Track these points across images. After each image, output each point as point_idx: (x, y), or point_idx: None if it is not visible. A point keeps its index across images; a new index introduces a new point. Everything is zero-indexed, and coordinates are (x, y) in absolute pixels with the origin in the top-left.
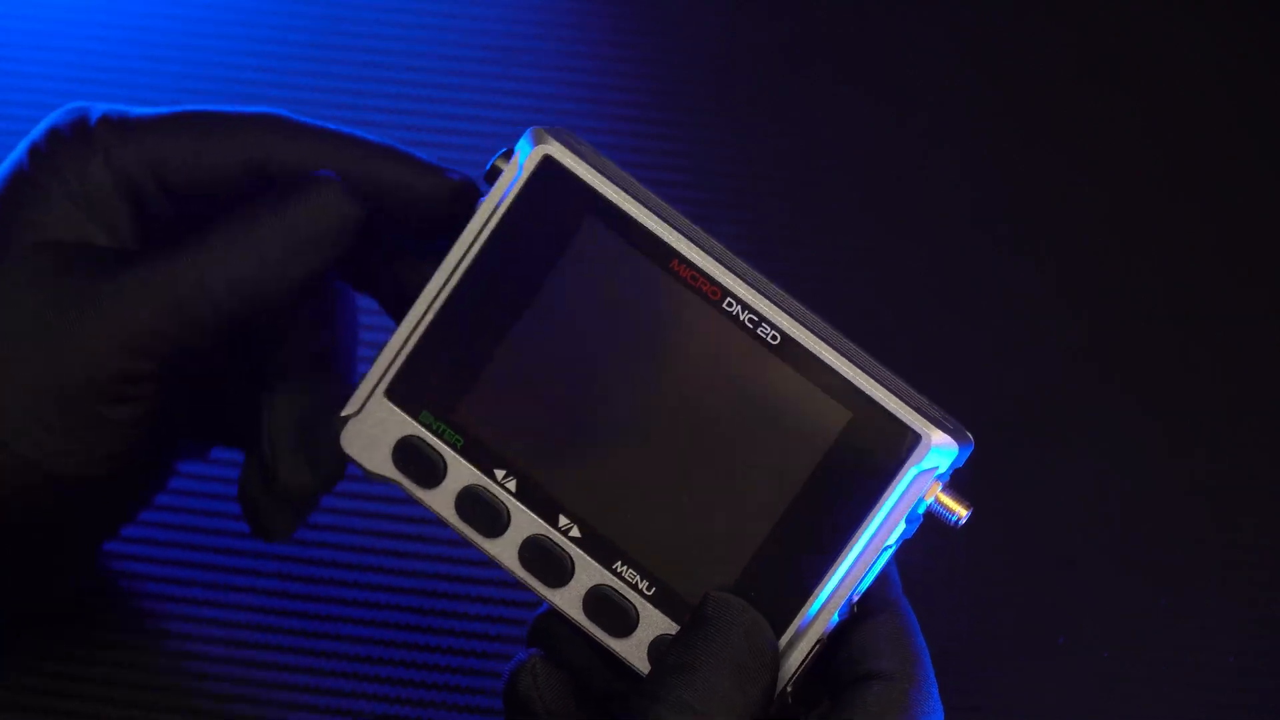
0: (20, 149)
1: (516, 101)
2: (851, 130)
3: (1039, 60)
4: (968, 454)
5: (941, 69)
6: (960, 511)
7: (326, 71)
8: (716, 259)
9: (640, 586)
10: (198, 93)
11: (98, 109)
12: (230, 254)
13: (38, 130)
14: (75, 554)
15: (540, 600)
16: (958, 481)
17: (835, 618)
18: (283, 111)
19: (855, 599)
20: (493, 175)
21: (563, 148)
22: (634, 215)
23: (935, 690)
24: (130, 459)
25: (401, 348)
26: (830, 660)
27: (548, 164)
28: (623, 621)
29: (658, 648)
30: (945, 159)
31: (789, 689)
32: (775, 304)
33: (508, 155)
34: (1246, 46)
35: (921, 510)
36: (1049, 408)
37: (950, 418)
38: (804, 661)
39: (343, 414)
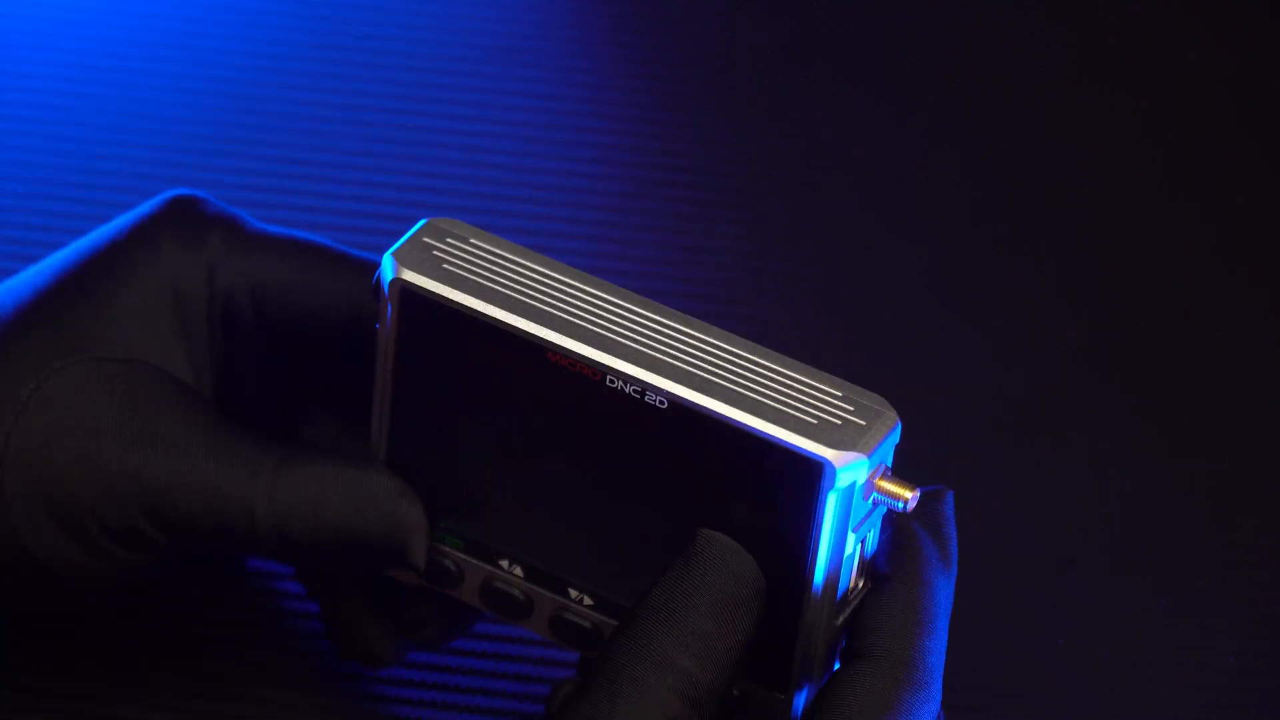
0: (123, 228)
1: (516, 101)
2: (851, 130)
3: (1039, 60)
4: (897, 435)
5: (941, 69)
6: (905, 495)
7: (326, 72)
8: (589, 330)
9: None
10: (198, 93)
11: (209, 209)
12: (288, 496)
13: (147, 210)
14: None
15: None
16: (917, 460)
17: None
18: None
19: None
20: (375, 292)
21: (416, 271)
22: (499, 321)
23: (929, 676)
24: (122, 586)
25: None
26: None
27: (408, 293)
28: None
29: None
30: (945, 159)
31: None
32: (653, 353)
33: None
34: (1246, 46)
35: (871, 504)
36: (1049, 408)
37: (867, 399)
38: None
39: None
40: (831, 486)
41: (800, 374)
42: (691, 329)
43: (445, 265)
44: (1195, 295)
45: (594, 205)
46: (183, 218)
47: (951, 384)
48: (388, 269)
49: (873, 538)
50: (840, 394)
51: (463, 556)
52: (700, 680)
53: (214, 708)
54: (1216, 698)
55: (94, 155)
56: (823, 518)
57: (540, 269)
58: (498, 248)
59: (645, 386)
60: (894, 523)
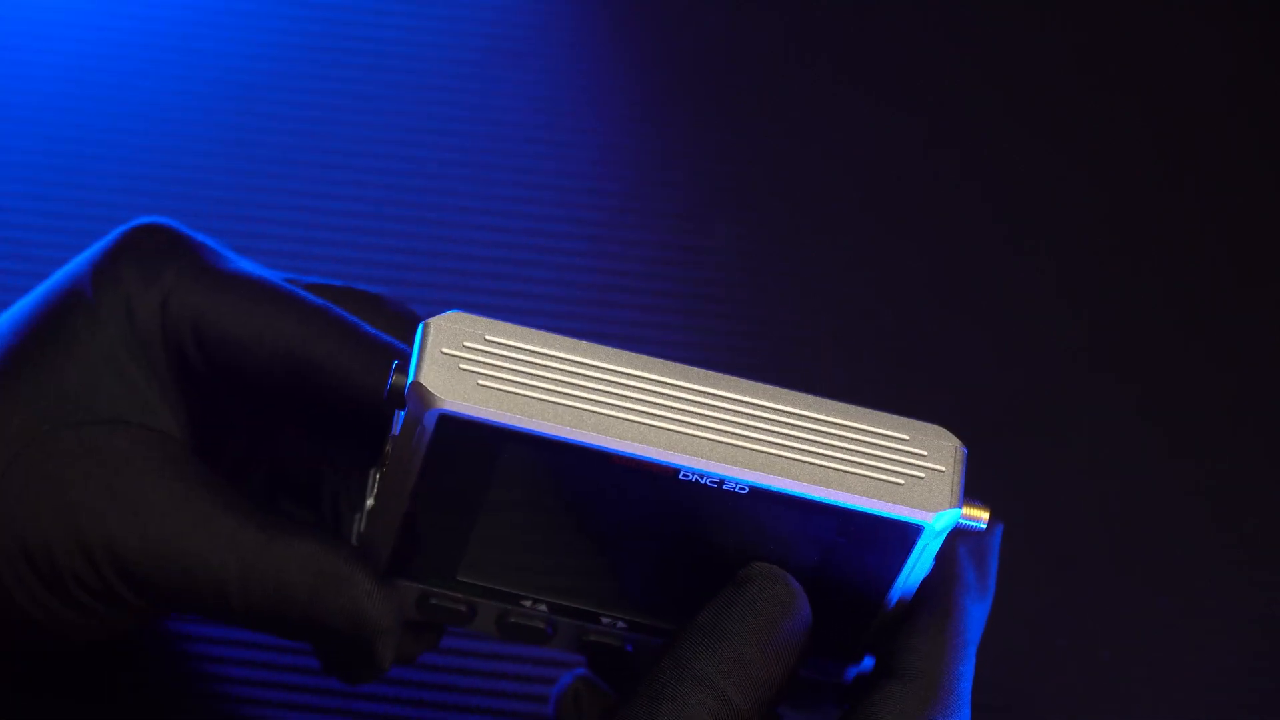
0: (84, 266)
1: (516, 102)
2: (851, 130)
3: (1039, 60)
4: (965, 461)
5: (942, 69)
6: (983, 517)
7: (326, 73)
8: (653, 429)
9: None
10: (197, 93)
11: (171, 240)
12: (258, 564)
13: (109, 243)
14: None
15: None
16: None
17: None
18: (338, 310)
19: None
20: (395, 395)
21: (454, 397)
22: (556, 436)
23: (961, 701)
24: (124, 637)
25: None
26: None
27: (447, 419)
28: None
29: None
30: (945, 159)
31: None
32: (723, 440)
33: (402, 370)
34: (1246, 46)
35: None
36: (1049, 408)
37: (934, 436)
38: None
39: None
40: (926, 537)
41: (866, 424)
42: (749, 396)
43: (480, 382)
44: (1195, 295)
45: (594, 205)
46: (143, 251)
47: (951, 384)
48: (422, 397)
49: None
50: (908, 437)
51: (477, 600)
52: (739, 706)
53: (213, 707)
54: (1216, 698)
55: (94, 155)
56: (911, 559)
57: (574, 360)
58: (520, 342)
59: (724, 478)
60: (941, 554)
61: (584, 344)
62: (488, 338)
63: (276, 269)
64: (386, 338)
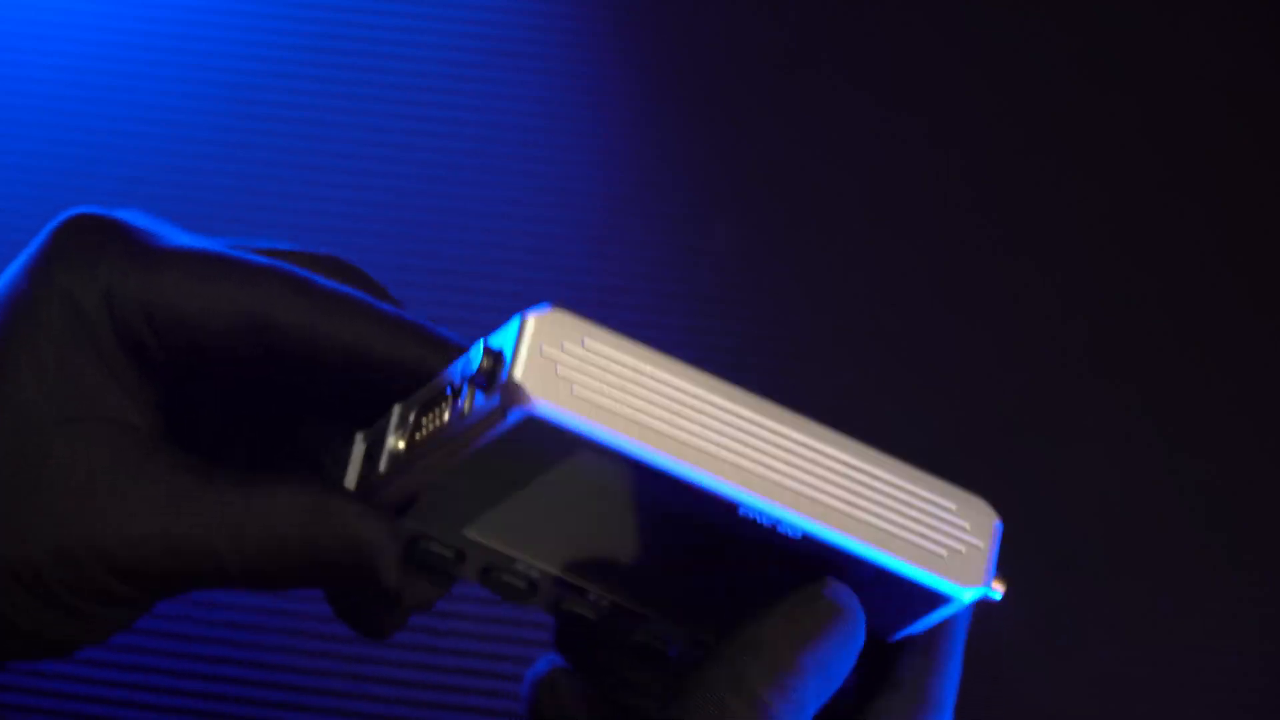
0: (20, 268)
1: (517, 104)
2: (852, 131)
3: (1040, 60)
4: (1000, 536)
5: (943, 70)
6: (1001, 589)
7: (326, 74)
8: (725, 461)
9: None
10: (197, 94)
11: (102, 227)
12: (245, 526)
13: (40, 241)
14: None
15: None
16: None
17: None
18: (290, 267)
19: None
20: (483, 378)
21: (553, 402)
22: (635, 454)
23: (946, 713)
24: (125, 628)
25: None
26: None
27: (535, 420)
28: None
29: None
30: (946, 159)
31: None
32: (787, 482)
33: (491, 355)
34: (1247, 46)
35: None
36: (1049, 408)
37: (975, 509)
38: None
39: None
40: (953, 607)
41: (919, 487)
42: (818, 441)
43: (575, 390)
44: (1195, 295)
45: (594, 206)
46: (73, 248)
47: (952, 384)
48: (514, 395)
49: None
50: (954, 506)
51: (469, 549)
52: None
53: (213, 707)
54: (1216, 698)
55: (94, 155)
56: (930, 619)
57: (663, 378)
58: (615, 351)
59: (780, 521)
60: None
61: (673, 361)
62: (586, 342)
63: None
64: (344, 288)
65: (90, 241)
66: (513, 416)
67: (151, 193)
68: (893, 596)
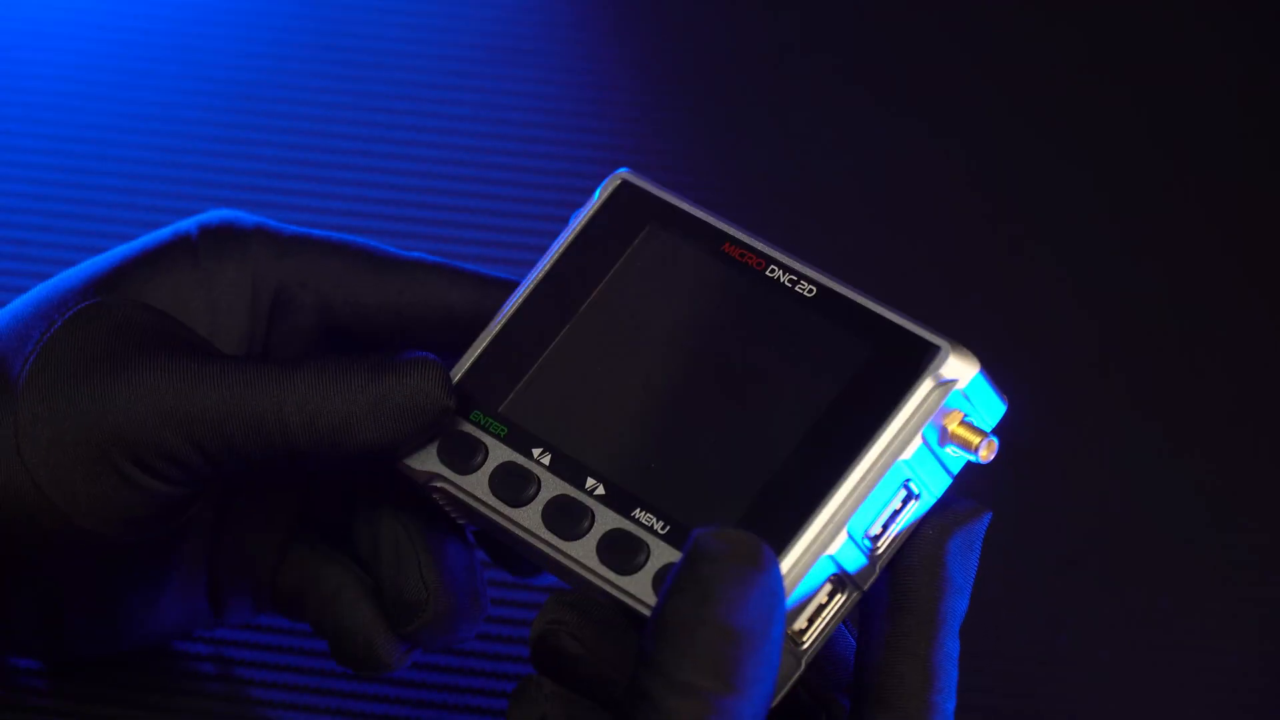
0: (166, 232)
1: (517, 102)
2: (853, 130)
3: (1042, 57)
4: (999, 408)
5: (944, 69)
6: (976, 442)
7: (327, 72)
8: (767, 242)
9: (655, 527)
10: (197, 93)
11: (251, 219)
12: (316, 391)
13: (187, 222)
14: (106, 628)
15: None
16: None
17: (851, 549)
18: (449, 260)
19: (878, 541)
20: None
21: (639, 177)
22: (694, 214)
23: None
24: (155, 528)
25: (462, 365)
26: (856, 663)
27: (623, 188)
28: (632, 558)
29: (661, 578)
30: (947, 159)
31: (811, 645)
32: (816, 269)
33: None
34: (1247, 46)
35: (945, 446)
36: (1049, 408)
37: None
38: (829, 608)
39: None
40: (935, 369)
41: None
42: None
43: (661, 185)
44: (1196, 295)
45: None
46: (224, 221)
47: None
48: (616, 175)
49: (908, 518)
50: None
51: (496, 442)
52: (731, 703)
53: (213, 707)
54: (1216, 698)
55: (94, 156)
56: (908, 397)
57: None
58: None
59: (801, 275)
60: (923, 543)
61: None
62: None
63: None
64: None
65: (236, 224)
66: (609, 181)
67: (152, 192)
68: (888, 364)
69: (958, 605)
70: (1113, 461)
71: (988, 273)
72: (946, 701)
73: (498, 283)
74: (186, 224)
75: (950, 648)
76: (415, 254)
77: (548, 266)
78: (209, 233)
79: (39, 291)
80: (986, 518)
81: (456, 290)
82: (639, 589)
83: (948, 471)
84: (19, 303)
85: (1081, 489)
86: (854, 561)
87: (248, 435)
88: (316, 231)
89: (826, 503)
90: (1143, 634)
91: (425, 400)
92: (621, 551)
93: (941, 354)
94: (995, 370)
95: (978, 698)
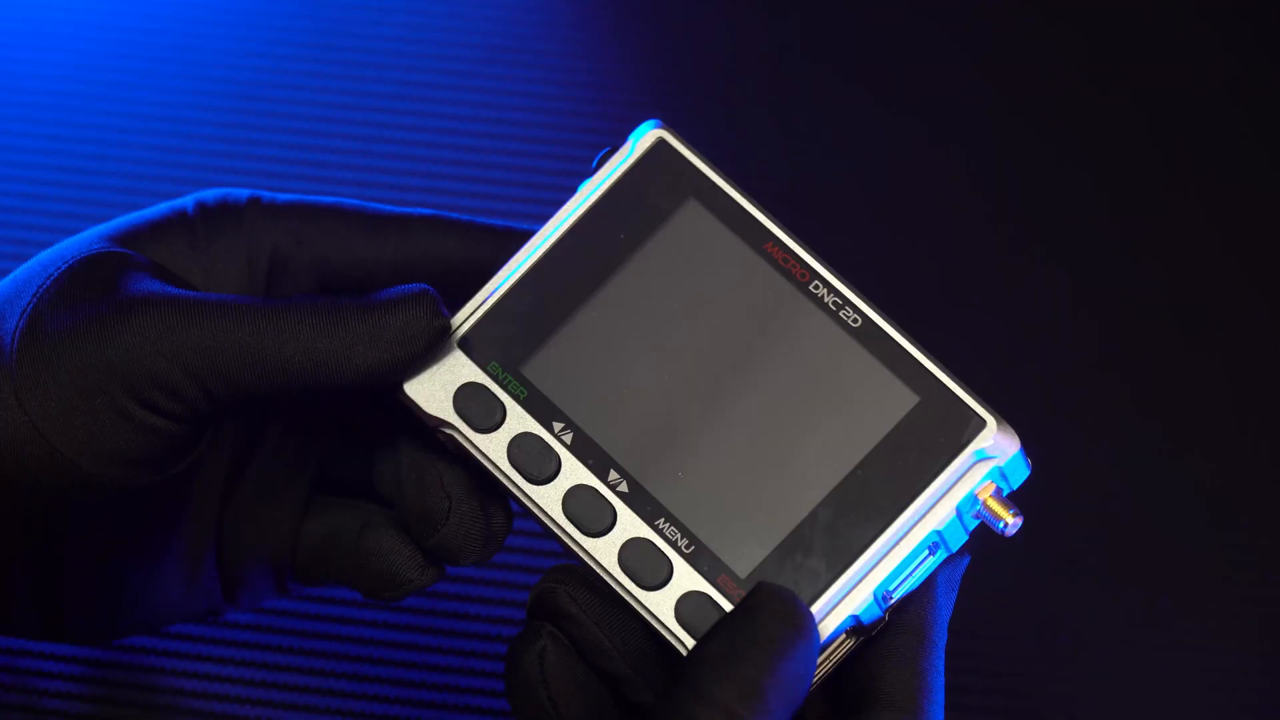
0: (163, 206)
1: (516, 101)
2: (853, 130)
3: (1043, 58)
4: (1025, 474)
5: (944, 69)
6: (1007, 518)
7: (326, 72)
8: (807, 249)
9: (679, 544)
10: (197, 93)
11: (245, 191)
12: (312, 322)
13: (183, 199)
14: (105, 602)
15: (561, 557)
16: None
17: (872, 606)
18: (442, 212)
19: (893, 596)
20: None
21: (676, 136)
22: (738, 200)
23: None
24: (159, 470)
25: (482, 303)
26: (844, 676)
27: (660, 146)
28: (655, 574)
29: (685, 605)
30: (948, 160)
31: (815, 681)
32: (858, 295)
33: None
34: (1248, 46)
35: (973, 511)
36: (1049, 408)
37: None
38: (837, 652)
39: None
40: (980, 445)
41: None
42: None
43: (695, 149)
44: (1196, 295)
45: None
46: (220, 197)
47: None
48: (647, 126)
49: (921, 572)
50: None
51: (515, 405)
52: None
53: (214, 708)
54: (1216, 698)
55: (94, 155)
56: (950, 466)
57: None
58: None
59: (846, 301)
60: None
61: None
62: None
63: None
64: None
65: (230, 199)
66: (642, 137)
67: (152, 192)
68: (931, 422)
69: (944, 631)
70: (1113, 461)
71: (988, 273)
72: (939, 710)
73: (495, 231)
74: (183, 201)
75: (940, 665)
76: (409, 209)
77: (576, 218)
78: (205, 207)
79: (38, 256)
80: (966, 560)
81: (453, 240)
82: (660, 608)
83: (966, 530)
84: (19, 268)
85: (1081, 489)
86: (871, 614)
87: (244, 365)
88: (309, 196)
89: (860, 564)
90: (1143, 634)
91: (421, 322)
92: (645, 564)
93: (988, 429)
94: (995, 369)
95: (978, 698)
